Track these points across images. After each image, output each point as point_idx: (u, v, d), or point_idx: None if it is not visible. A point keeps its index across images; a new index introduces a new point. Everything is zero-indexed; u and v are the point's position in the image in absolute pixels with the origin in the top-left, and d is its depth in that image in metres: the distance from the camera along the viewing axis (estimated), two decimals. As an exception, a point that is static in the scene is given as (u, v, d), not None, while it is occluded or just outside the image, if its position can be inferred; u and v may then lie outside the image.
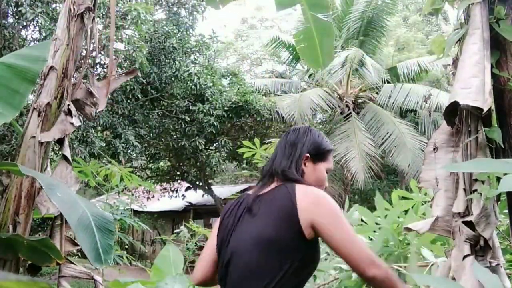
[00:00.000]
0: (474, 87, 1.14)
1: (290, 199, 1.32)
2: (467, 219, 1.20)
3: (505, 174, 0.98)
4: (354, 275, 1.82)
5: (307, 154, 1.48)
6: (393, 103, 11.39)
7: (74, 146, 6.60)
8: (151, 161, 11.20)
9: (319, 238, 1.34)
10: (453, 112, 1.23)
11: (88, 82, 2.74)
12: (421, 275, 1.52)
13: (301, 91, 12.31)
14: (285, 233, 1.31)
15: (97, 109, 2.74)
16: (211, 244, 1.45)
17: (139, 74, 7.56)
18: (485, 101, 1.13)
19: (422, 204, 1.96)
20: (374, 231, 2.07)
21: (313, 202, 1.32)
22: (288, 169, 1.44)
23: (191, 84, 8.32)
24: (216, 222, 1.50)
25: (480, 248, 1.21)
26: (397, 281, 1.27)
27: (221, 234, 1.42)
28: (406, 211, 2.07)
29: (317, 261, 1.39)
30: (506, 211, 1.51)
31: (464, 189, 1.25)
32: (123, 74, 2.88)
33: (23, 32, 6.99)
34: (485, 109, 1.12)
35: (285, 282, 1.27)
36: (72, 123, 2.53)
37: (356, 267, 1.27)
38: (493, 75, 1.24)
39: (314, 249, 1.35)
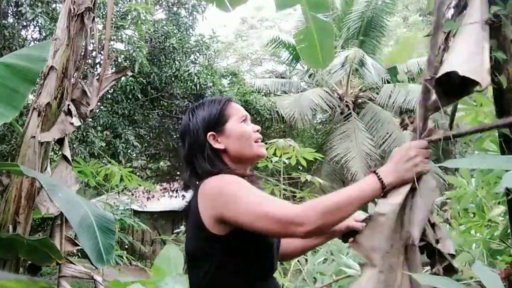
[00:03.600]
0: (472, 63, 1.07)
1: (195, 202, 1.19)
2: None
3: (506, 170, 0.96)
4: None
5: (211, 133, 1.26)
6: (393, 103, 11.39)
7: (74, 146, 6.60)
8: (151, 161, 11.20)
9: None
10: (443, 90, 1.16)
11: (87, 82, 2.74)
12: (423, 274, 1.52)
13: (301, 91, 12.32)
14: (196, 243, 1.20)
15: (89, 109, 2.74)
16: None
17: (137, 74, 7.56)
18: (483, 78, 1.06)
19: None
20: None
21: (204, 197, 1.16)
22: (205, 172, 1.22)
23: (191, 84, 8.32)
24: None
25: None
26: (332, 209, 1.02)
27: None
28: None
29: (253, 247, 1.15)
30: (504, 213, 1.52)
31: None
32: (114, 73, 2.87)
33: (23, 32, 6.99)
34: (483, 85, 1.05)
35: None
36: (72, 123, 2.53)
37: (282, 234, 1.12)
38: (494, 75, 1.24)
39: (239, 239, 1.14)
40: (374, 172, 1.06)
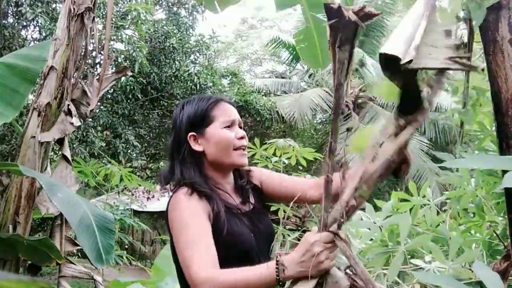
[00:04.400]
0: (401, 40, 1.00)
1: (166, 210, 1.24)
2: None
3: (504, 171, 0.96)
4: None
5: (192, 133, 1.24)
6: (393, 103, 11.36)
7: (74, 146, 6.60)
8: (151, 161, 11.20)
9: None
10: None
11: (87, 82, 2.74)
12: (425, 273, 1.52)
13: (301, 91, 12.32)
14: (171, 247, 1.23)
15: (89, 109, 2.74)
16: None
17: (137, 74, 7.57)
18: (405, 52, 0.97)
19: (421, 207, 1.95)
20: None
21: (168, 211, 1.22)
22: (179, 172, 1.23)
23: (191, 84, 8.32)
24: None
25: None
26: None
27: None
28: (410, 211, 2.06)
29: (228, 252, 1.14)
30: (502, 214, 1.52)
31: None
32: (114, 73, 2.88)
33: (23, 32, 6.99)
34: (403, 60, 0.97)
35: None
36: (72, 123, 2.53)
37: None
38: (490, 75, 1.24)
39: None
40: (278, 259, 1.01)
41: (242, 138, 1.26)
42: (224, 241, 1.13)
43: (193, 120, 1.24)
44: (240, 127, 1.28)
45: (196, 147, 1.24)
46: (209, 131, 1.23)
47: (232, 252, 1.15)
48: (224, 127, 1.24)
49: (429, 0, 1.11)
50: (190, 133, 1.24)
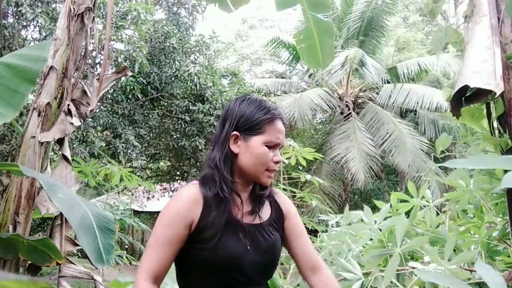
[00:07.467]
0: (485, 71, 1.06)
1: None
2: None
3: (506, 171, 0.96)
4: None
5: (236, 133, 1.23)
6: (393, 103, 11.39)
7: (74, 146, 6.60)
8: (151, 161, 11.20)
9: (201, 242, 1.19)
10: (459, 102, 1.18)
11: (87, 82, 2.74)
12: (426, 272, 1.52)
13: (301, 91, 12.33)
14: None
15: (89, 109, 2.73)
16: None
17: (137, 74, 7.56)
18: (497, 85, 1.05)
19: (421, 209, 1.94)
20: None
21: None
22: (210, 163, 1.25)
23: (191, 84, 8.32)
24: None
25: None
26: None
27: None
28: (407, 213, 2.06)
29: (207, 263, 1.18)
30: (502, 214, 1.51)
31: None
32: (114, 73, 2.87)
33: (23, 32, 6.99)
34: (498, 93, 1.05)
35: None
36: (72, 123, 2.53)
37: None
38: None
39: (189, 251, 1.21)
40: None
41: (277, 162, 1.25)
42: (213, 247, 1.17)
43: (243, 122, 1.23)
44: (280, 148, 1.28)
45: (233, 147, 1.23)
46: (252, 141, 1.22)
47: (217, 258, 1.17)
48: (266, 145, 1.23)
49: (494, 25, 1.13)
50: (234, 132, 1.23)
